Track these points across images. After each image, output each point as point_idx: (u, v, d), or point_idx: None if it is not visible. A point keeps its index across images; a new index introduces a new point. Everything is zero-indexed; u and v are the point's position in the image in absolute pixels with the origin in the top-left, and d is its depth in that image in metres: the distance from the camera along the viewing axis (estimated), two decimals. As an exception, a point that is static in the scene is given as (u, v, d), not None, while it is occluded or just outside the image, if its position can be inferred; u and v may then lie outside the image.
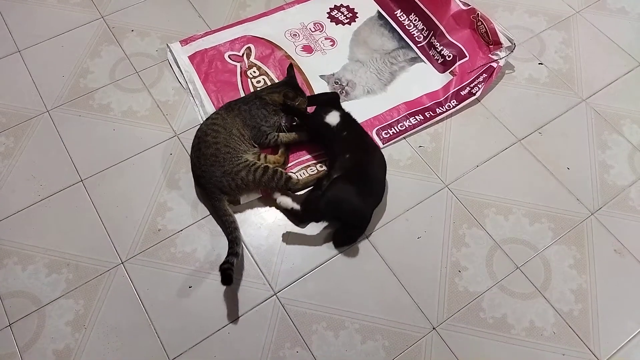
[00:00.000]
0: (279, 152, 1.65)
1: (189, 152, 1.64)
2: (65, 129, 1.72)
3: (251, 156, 1.58)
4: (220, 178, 1.51)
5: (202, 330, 1.40)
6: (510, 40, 1.87)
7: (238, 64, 1.86)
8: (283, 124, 1.67)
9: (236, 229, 1.47)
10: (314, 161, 1.68)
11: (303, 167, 1.66)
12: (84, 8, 2.02)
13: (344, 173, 1.51)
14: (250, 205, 1.60)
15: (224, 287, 1.45)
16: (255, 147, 1.62)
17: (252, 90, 1.80)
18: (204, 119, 1.73)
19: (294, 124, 1.72)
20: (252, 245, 1.53)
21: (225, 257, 1.42)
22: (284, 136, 1.65)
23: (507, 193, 1.65)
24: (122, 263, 1.49)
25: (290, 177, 1.57)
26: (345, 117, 1.64)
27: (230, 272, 1.38)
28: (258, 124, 1.62)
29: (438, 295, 1.48)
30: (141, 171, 1.64)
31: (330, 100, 1.70)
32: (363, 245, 1.54)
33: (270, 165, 1.56)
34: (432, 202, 1.62)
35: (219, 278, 1.43)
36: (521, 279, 1.51)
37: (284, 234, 1.56)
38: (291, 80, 1.73)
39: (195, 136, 1.59)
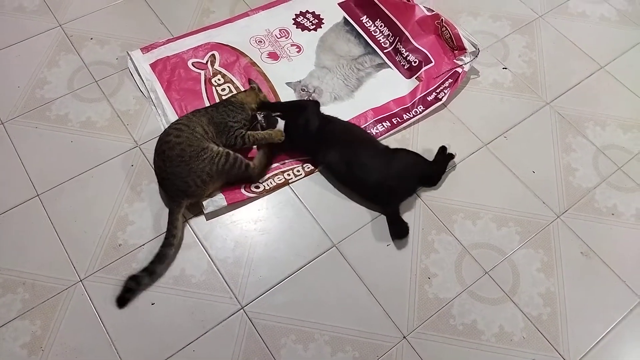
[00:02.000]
0: (258, 154, 1.61)
1: (151, 163, 1.59)
2: (21, 141, 1.65)
3: (214, 147, 1.52)
4: (185, 178, 1.46)
5: (166, 348, 1.35)
6: (474, 45, 1.88)
7: (202, 72, 1.82)
8: (259, 119, 1.64)
9: (172, 245, 1.43)
10: (293, 166, 1.66)
11: (270, 176, 1.63)
12: (40, 16, 1.95)
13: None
14: (217, 217, 1.56)
15: (189, 303, 1.40)
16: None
17: (217, 98, 1.77)
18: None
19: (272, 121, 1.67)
20: (218, 258, 1.49)
21: (139, 271, 1.39)
22: (253, 134, 1.59)
23: (474, 198, 1.65)
24: (81, 281, 1.43)
25: (248, 164, 1.55)
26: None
27: (129, 295, 1.36)
28: (224, 119, 1.57)
29: (408, 303, 1.46)
30: (101, 184, 1.58)
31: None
32: (332, 254, 1.52)
33: (231, 152, 1.52)
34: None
35: (183, 293, 1.39)
36: (490, 284, 1.51)
37: (250, 245, 1.52)
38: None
39: (159, 139, 1.53)
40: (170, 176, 1.47)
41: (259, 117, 1.64)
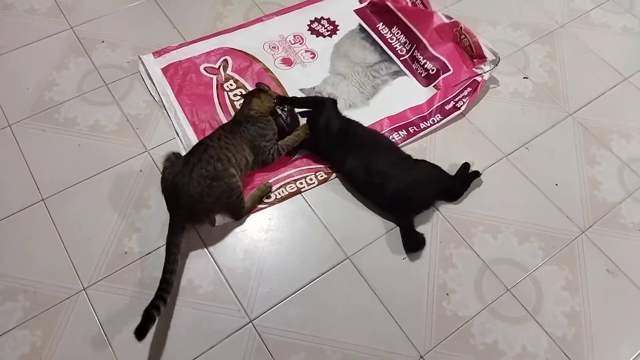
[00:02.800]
0: (249, 196, 1.52)
1: (160, 170, 1.55)
2: (28, 144, 1.61)
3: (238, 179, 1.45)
4: (205, 202, 1.38)
5: (170, 362, 1.29)
6: (494, 53, 1.82)
7: (214, 77, 1.78)
8: (280, 114, 1.62)
9: (175, 270, 1.32)
10: (306, 174, 1.60)
11: (281, 185, 1.57)
12: (52, 18, 1.92)
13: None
14: (225, 226, 1.50)
15: (195, 315, 1.34)
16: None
17: (228, 104, 1.72)
18: (178, 132, 1.64)
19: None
20: (226, 268, 1.43)
21: (152, 300, 1.26)
22: (283, 142, 1.57)
23: (495, 211, 1.58)
24: (84, 289, 1.37)
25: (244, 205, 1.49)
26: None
27: (149, 326, 1.23)
28: (258, 142, 1.52)
29: (425, 320, 1.39)
30: (108, 189, 1.53)
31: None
32: (345, 267, 1.45)
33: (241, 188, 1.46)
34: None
35: (189, 304, 1.33)
36: (512, 302, 1.43)
37: (260, 256, 1.46)
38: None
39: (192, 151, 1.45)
40: (191, 195, 1.36)
41: (279, 111, 1.61)
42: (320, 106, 1.63)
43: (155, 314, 1.24)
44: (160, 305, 1.26)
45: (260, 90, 1.61)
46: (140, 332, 1.21)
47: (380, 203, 1.54)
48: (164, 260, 1.33)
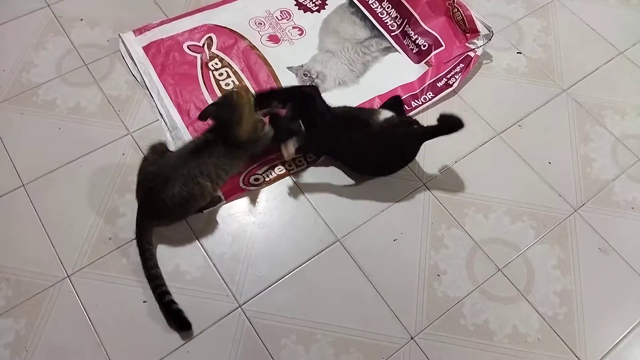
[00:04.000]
0: None
1: (144, 152, 1.50)
2: (6, 128, 1.56)
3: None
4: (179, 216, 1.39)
5: (158, 349, 1.27)
6: (487, 28, 1.77)
7: (198, 55, 1.72)
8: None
9: (156, 263, 1.33)
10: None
11: (270, 167, 1.54)
12: (28, -5, 1.84)
13: None
14: (212, 211, 1.47)
15: (183, 301, 1.31)
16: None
17: (214, 83, 1.67)
18: (162, 114, 1.59)
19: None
20: (214, 253, 1.40)
21: (165, 296, 1.29)
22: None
23: (486, 190, 1.55)
24: (68, 277, 1.34)
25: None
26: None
27: (182, 315, 1.28)
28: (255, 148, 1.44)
29: (416, 301, 1.38)
30: (90, 173, 1.49)
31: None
32: (335, 249, 1.43)
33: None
34: (408, 202, 1.51)
35: (176, 290, 1.31)
36: (503, 282, 1.42)
37: (249, 240, 1.43)
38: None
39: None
40: (164, 203, 1.30)
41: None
42: (307, 100, 1.50)
43: (175, 306, 1.28)
44: (170, 296, 1.28)
45: (242, 96, 1.37)
46: (183, 324, 1.27)
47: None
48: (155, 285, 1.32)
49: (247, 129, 1.37)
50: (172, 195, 1.30)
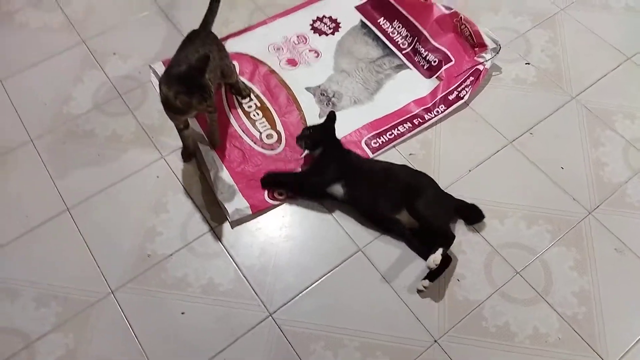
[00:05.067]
0: None
1: (176, 174, 1.62)
2: (50, 157, 1.69)
3: None
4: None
5: (197, 357, 1.36)
6: (495, 41, 1.85)
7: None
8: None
9: None
10: None
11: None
12: (64, 33, 1.99)
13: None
14: (242, 225, 1.56)
15: (218, 312, 1.41)
16: None
17: (237, 107, 1.78)
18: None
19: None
20: (244, 265, 1.50)
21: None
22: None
23: (501, 196, 1.62)
24: (112, 292, 1.45)
25: None
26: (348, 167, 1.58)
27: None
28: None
29: (438, 306, 1.44)
30: (128, 196, 1.61)
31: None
32: (358, 258, 1.51)
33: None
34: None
35: (211, 302, 1.41)
36: (522, 284, 1.47)
37: (276, 252, 1.52)
38: (189, 73, 1.39)
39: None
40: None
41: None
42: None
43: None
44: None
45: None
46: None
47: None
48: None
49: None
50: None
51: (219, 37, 1.94)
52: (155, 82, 1.84)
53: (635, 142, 1.73)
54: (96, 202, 1.60)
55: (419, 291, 1.44)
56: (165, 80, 1.40)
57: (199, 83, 1.35)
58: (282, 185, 1.61)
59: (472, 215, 1.57)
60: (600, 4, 2.09)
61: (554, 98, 1.83)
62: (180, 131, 1.58)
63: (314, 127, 1.67)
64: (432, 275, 1.44)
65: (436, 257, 1.40)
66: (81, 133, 1.74)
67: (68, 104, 1.81)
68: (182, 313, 1.42)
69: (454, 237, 1.48)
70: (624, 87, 1.86)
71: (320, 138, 1.63)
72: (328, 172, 1.57)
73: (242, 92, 1.79)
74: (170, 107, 1.44)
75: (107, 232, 1.55)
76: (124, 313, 1.42)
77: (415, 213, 1.48)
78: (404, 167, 1.61)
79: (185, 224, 1.56)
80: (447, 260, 1.46)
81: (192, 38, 1.58)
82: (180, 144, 1.66)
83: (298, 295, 1.45)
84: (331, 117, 1.64)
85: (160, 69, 1.85)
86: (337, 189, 1.54)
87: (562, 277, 1.48)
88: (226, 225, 1.56)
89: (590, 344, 1.38)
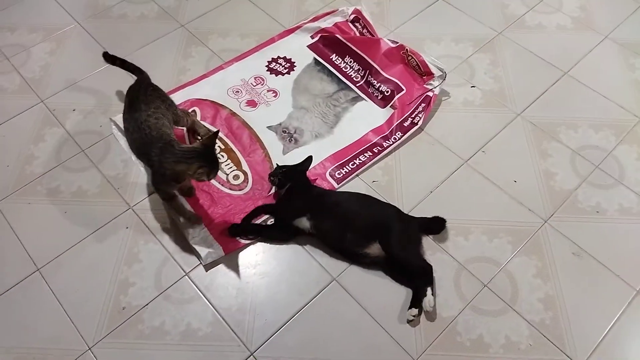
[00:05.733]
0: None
1: (146, 223, 1.63)
2: (16, 219, 1.68)
3: None
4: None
5: (181, 405, 1.36)
6: (440, 69, 1.96)
7: (184, 128, 1.88)
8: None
9: None
10: None
11: (263, 220, 1.67)
12: (22, 94, 2.01)
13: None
14: (216, 267, 1.58)
15: (199, 357, 1.42)
16: None
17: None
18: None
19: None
20: (221, 307, 1.51)
21: None
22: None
23: (463, 214, 1.69)
24: (90, 349, 1.44)
25: None
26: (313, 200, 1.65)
27: None
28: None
29: (414, 326, 1.48)
30: (98, 250, 1.61)
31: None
32: (333, 288, 1.55)
33: None
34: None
35: (191, 348, 1.41)
36: (490, 296, 1.54)
37: (252, 290, 1.55)
38: (207, 150, 1.49)
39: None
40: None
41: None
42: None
43: None
44: None
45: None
46: None
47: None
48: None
49: (182, 168, 1.48)
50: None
51: (178, 85, 2.01)
52: (118, 135, 1.87)
53: (580, 150, 1.85)
54: (66, 259, 1.59)
55: (408, 321, 1.48)
56: (179, 156, 1.47)
57: (216, 157, 1.51)
58: (249, 232, 1.65)
59: (435, 226, 1.64)
60: (534, 24, 2.25)
61: (501, 116, 1.94)
62: (170, 199, 1.64)
63: (288, 166, 1.72)
64: (416, 302, 1.49)
65: (430, 299, 1.47)
66: (46, 192, 1.74)
67: (31, 164, 1.81)
68: (163, 362, 1.42)
69: (431, 268, 1.54)
70: (565, 100, 1.99)
71: (292, 176, 1.68)
72: (293, 205, 1.62)
73: (200, 131, 1.83)
74: (174, 179, 1.52)
75: (80, 288, 1.54)
76: (104, 369, 1.41)
77: (390, 252, 1.53)
78: (368, 200, 1.67)
79: (158, 272, 1.57)
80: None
81: (133, 98, 1.63)
82: (146, 192, 1.69)
83: (278, 331, 1.47)
84: (309, 160, 1.71)
85: (121, 121, 1.87)
86: (304, 223, 1.59)
87: (527, 285, 1.55)
88: (200, 269, 1.58)
89: (559, 346, 1.45)
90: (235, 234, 1.63)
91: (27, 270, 1.57)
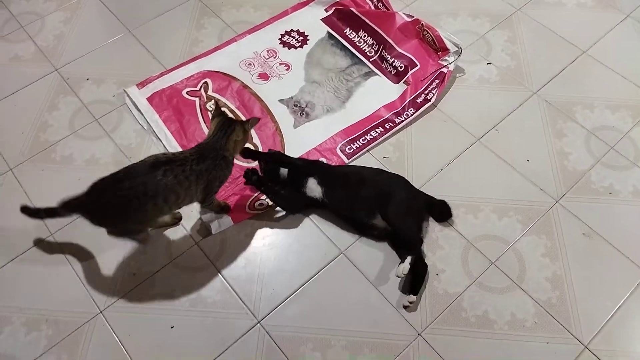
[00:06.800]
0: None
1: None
2: (30, 185, 1.71)
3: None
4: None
5: (189, 369, 1.39)
6: (456, 45, 1.93)
7: (196, 99, 1.88)
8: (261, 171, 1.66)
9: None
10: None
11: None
12: (37, 63, 2.02)
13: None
14: (225, 237, 1.60)
15: (207, 323, 1.44)
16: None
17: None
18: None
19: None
20: (230, 276, 1.54)
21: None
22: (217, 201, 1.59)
23: (473, 192, 1.69)
24: (101, 312, 1.47)
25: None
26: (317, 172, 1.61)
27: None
28: (214, 183, 1.46)
29: (419, 300, 1.49)
30: (111, 217, 1.64)
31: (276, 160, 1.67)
32: (340, 261, 1.56)
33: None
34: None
35: (200, 314, 1.44)
36: (497, 274, 1.54)
37: (261, 261, 1.56)
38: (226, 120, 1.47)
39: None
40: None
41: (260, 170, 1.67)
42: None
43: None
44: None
45: (245, 131, 1.49)
46: None
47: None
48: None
49: (237, 146, 1.48)
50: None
51: (190, 57, 2.01)
52: (131, 105, 1.88)
53: (596, 131, 1.82)
54: (79, 225, 1.61)
55: (405, 307, 1.48)
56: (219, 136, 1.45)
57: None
58: (262, 185, 1.63)
59: (441, 213, 1.62)
60: (554, 2, 2.19)
61: (516, 95, 1.91)
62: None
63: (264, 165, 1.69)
64: (414, 288, 1.49)
65: (404, 267, 1.43)
66: (60, 159, 1.76)
67: (45, 131, 1.83)
68: (172, 327, 1.45)
69: (421, 241, 1.54)
70: (582, 79, 1.96)
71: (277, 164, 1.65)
72: (301, 166, 1.64)
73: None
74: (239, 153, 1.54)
75: (91, 253, 1.57)
76: (114, 331, 1.44)
77: (386, 220, 1.53)
78: (377, 172, 1.67)
79: (169, 241, 1.59)
80: (421, 269, 1.51)
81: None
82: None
83: (285, 301, 1.50)
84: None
85: (135, 92, 1.89)
86: (315, 189, 1.58)
87: (535, 264, 1.55)
88: (210, 239, 1.60)
89: (565, 325, 1.45)
90: (248, 178, 1.64)
91: (41, 234, 1.61)
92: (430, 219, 1.63)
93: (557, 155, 1.76)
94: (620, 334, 1.44)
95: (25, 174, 1.73)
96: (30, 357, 1.40)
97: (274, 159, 1.67)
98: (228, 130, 1.45)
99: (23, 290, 1.51)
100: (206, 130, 1.81)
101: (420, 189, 1.67)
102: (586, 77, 1.97)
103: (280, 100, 1.90)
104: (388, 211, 1.52)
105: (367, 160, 1.76)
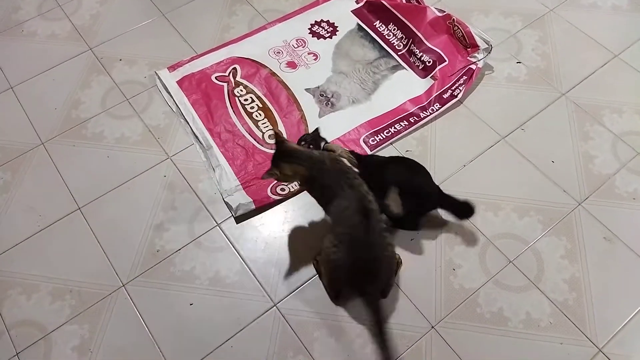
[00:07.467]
0: None
1: (182, 172, 1.69)
2: (61, 159, 1.76)
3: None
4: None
5: (205, 345, 1.43)
6: (486, 42, 1.92)
7: (225, 84, 1.91)
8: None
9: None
10: None
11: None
12: (72, 41, 2.08)
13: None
14: (246, 220, 1.63)
15: (225, 302, 1.48)
16: None
17: (240, 107, 1.85)
18: (198, 137, 1.77)
19: None
20: (249, 259, 1.57)
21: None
22: None
23: (495, 190, 1.68)
24: (124, 285, 1.52)
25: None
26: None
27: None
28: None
29: (434, 294, 1.50)
30: (137, 195, 1.68)
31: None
32: (358, 250, 1.57)
33: None
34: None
35: (218, 293, 1.47)
36: (515, 273, 1.54)
37: (280, 246, 1.59)
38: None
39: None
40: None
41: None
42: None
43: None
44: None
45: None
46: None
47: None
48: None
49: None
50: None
51: (221, 42, 2.04)
52: (161, 87, 1.92)
53: (623, 136, 1.80)
54: (106, 200, 1.67)
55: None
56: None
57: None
58: None
59: (461, 210, 1.58)
60: (588, 4, 2.16)
61: (544, 95, 1.90)
62: None
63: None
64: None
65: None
66: (90, 136, 1.82)
67: (77, 108, 1.88)
68: (191, 304, 1.49)
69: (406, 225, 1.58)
70: (612, 83, 1.93)
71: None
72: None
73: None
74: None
75: (117, 229, 1.62)
76: (135, 305, 1.49)
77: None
78: (402, 157, 1.68)
79: (192, 221, 1.63)
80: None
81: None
82: (184, 144, 1.74)
83: (301, 286, 1.52)
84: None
85: (166, 75, 1.93)
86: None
87: (554, 265, 1.55)
88: (231, 221, 1.63)
89: (580, 327, 1.45)
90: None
91: (69, 208, 1.66)
92: (449, 215, 1.63)
93: (583, 158, 1.75)
94: (635, 339, 1.43)
95: (56, 149, 1.79)
96: (54, 325, 1.46)
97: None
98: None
99: (50, 260, 1.57)
100: (232, 115, 1.84)
101: (442, 185, 1.67)
102: (616, 81, 1.94)
103: (306, 89, 1.91)
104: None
105: (389, 152, 1.77)
